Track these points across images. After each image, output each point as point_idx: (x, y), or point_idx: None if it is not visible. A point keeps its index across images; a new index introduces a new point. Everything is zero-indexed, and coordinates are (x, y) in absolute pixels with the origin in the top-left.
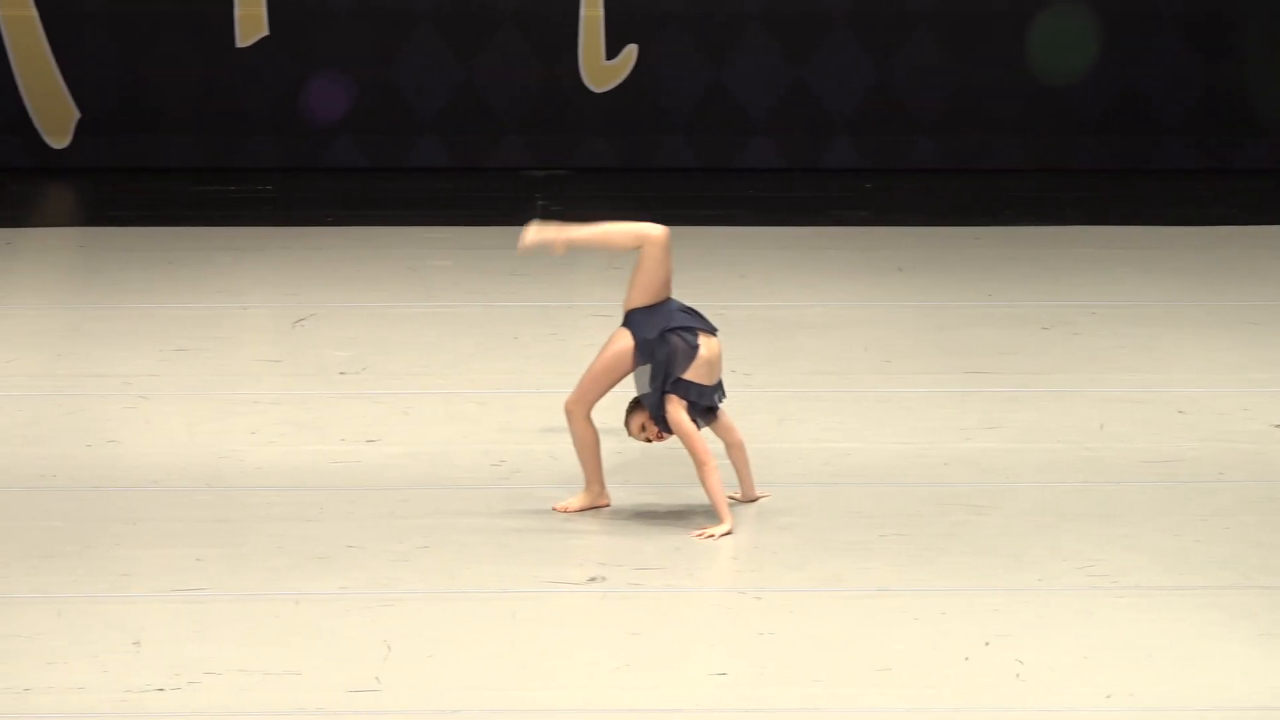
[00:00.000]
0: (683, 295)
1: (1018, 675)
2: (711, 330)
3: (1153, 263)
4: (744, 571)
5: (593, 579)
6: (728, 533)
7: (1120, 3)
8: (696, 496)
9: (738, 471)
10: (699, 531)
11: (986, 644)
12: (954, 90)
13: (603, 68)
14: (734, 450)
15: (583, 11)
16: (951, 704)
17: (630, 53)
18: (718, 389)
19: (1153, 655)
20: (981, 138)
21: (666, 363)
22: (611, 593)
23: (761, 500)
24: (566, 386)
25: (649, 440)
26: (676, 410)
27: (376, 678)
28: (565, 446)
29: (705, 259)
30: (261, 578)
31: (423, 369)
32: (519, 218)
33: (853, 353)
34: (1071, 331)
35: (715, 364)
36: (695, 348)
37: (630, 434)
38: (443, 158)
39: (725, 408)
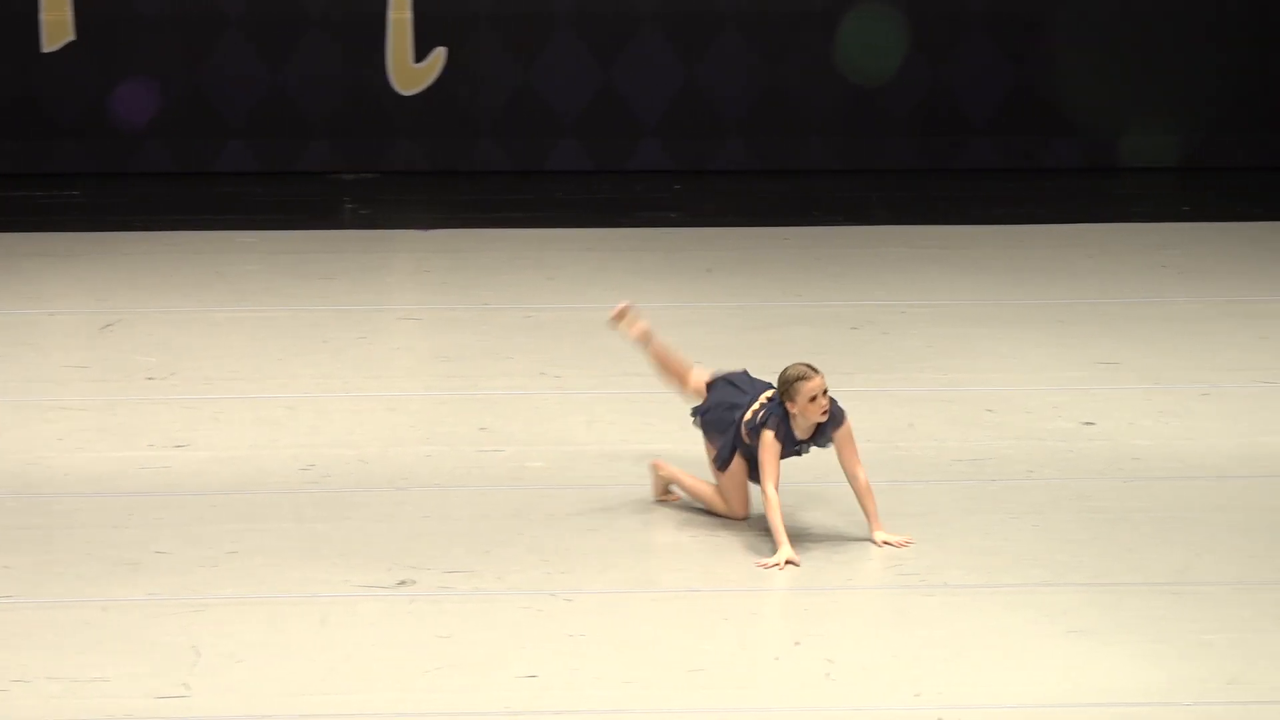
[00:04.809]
0: (492, 297)
1: (828, 675)
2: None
3: (961, 262)
4: (554, 574)
5: (402, 582)
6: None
7: (927, 3)
8: (504, 499)
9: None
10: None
11: (797, 644)
12: (763, 91)
13: (411, 70)
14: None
15: (390, 14)
16: (762, 704)
17: (439, 55)
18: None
19: (962, 653)
20: (790, 138)
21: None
22: (421, 596)
23: (560, 501)
24: (376, 389)
25: None
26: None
27: (185, 684)
28: (374, 451)
29: (514, 261)
30: (69, 584)
31: (232, 373)
32: (328, 221)
33: None
34: (880, 331)
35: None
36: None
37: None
38: (251, 162)
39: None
